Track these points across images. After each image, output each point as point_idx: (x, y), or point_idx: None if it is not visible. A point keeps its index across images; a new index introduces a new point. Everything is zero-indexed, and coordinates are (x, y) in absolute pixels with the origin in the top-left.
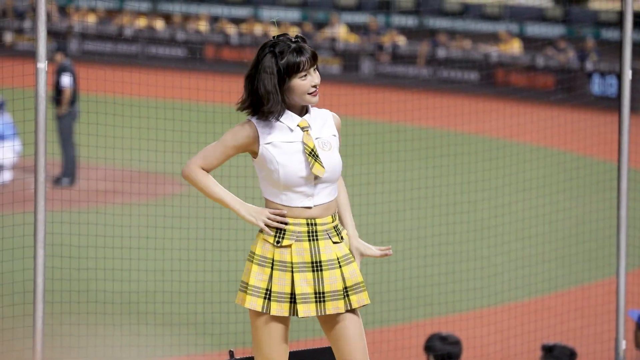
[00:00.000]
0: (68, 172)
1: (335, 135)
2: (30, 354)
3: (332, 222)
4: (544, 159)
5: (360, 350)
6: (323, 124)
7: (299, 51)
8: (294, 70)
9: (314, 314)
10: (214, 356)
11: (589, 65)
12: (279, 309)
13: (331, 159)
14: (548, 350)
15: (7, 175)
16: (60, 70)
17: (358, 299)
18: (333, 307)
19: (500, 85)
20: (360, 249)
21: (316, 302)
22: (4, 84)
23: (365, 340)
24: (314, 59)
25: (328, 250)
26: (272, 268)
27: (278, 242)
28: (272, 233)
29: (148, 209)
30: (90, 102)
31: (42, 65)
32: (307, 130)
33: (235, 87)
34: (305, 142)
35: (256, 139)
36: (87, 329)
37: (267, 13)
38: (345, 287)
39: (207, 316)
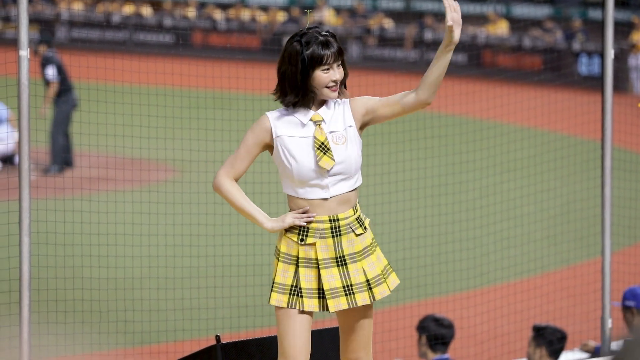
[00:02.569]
0: (56, 159)
1: (351, 126)
2: (17, 342)
3: (354, 214)
4: (528, 139)
5: (364, 342)
6: (341, 116)
7: (325, 44)
8: (317, 62)
9: (345, 307)
10: (201, 341)
11: (576, 46)
12: (310, 304)
13: (344, 153)
14: (539, 330)
15: None
16: (44, 63)
17: (380, 291)
18: (362, 298)
19: (488, 66)
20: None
21: (346, 295)
22: None
23: (372, 326)
24: (339, 54)
25: (351, 244)
26: (297, 265)
27: (302, 239)
28: (303, 223)
29: (133, 196)
30: (78, 89)
31: (24, 52)
32: (319, 124)
33: (220, 72)
34: (315, 136)
35: (270, 132)
36: (74, 316)
37: None
38: (367, 280)
39: (195, 302)
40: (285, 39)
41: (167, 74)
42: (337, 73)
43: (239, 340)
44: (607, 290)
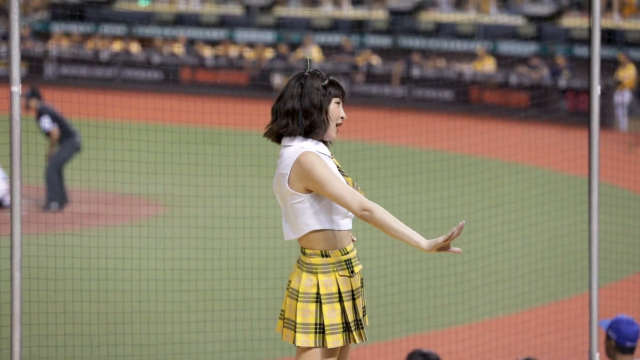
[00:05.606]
0: (54, 196)
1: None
2: None
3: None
4: (515, 174)
5: None
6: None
7: (337, 81)
8: (334, 93)
9: (359, 340)
10: None
11: (562, 82)
12: (357, 336)
13: None
14: None
15: None
16: (38, 115)
17: (363, 334)
18: (363, 335)
19: (475, 102)
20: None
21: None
22: None
23: None
24: (344, 95)
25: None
26: (340, 300)
27: (352, 271)
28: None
29: (124, 231)
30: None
31: (16, 88)
32: (332, 157)
33: (209, 108)
34: (337, 165)
35: None
36: (65, 351)
37: (242, 35)
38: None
39: (184, 336)
40: (273, 76)
41: (156, 110)
42: (342, 111)
43: None
44: (595, 324)
